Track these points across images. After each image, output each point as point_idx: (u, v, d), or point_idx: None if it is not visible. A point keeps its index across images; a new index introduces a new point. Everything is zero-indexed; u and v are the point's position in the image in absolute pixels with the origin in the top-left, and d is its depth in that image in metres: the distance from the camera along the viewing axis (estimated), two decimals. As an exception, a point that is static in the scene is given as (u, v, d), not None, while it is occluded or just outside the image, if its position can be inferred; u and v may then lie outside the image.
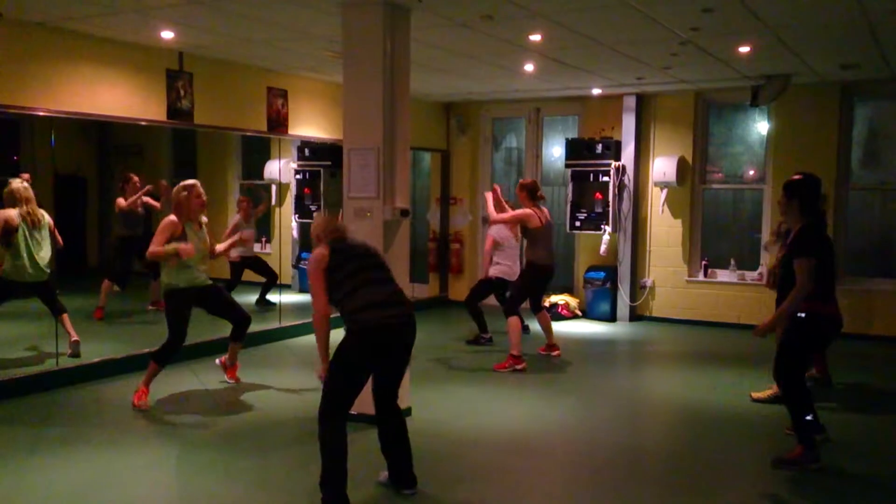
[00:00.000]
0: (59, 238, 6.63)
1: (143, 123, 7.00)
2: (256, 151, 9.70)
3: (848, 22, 5.74)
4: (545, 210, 7.24)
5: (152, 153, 9.57)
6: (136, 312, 8.74)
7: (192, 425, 5.29)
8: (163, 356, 5.72)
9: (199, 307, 5.84)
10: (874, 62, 7.28)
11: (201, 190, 5.77)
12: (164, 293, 5.73)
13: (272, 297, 9.08)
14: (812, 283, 4.46)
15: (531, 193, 7.14)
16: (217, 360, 6.42)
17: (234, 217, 9.01)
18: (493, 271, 7.85)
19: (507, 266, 7.81)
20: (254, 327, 8.09)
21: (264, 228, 9.78)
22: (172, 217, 5.67)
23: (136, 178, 8.21)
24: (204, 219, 5.89)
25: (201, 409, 5.68)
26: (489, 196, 7.60)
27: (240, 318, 6.03)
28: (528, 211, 7.07)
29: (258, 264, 9.19)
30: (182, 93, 7.15)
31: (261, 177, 9.57)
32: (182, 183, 5.77)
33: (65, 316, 6.47)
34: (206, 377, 6.51)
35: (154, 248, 5.53)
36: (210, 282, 5.87)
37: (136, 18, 5.92)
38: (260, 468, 4.51)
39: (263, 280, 9.16)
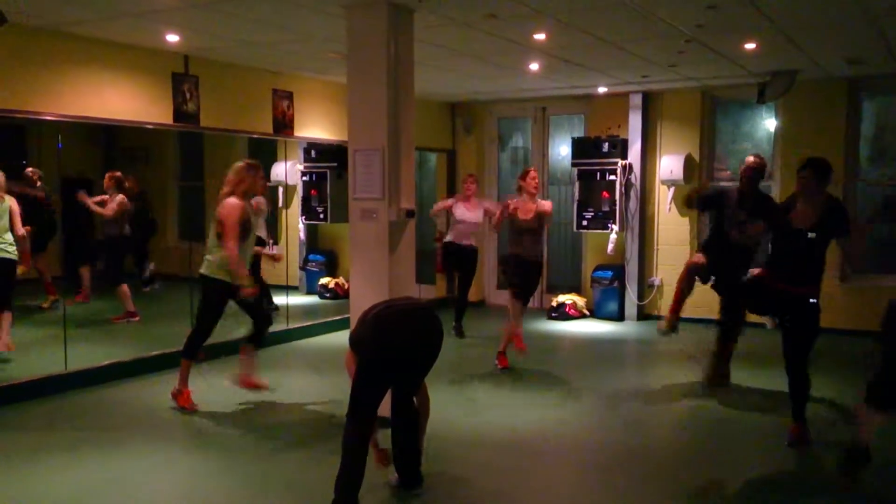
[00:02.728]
0: (19, 225, 6.48)
1: (150, 127, 7.02)
2: (263, 153, 9.70)
3: (853, 17, 5.71)
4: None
5: (159, 156, 9.60)
6: (141, 313, 8.76)
7: (200, 428, 5.31)
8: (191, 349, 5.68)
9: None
10: (880, 57, 7.23)
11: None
12: (214, 283, 5.52)
13: (278, 299, 9.07)
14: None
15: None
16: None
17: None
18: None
19: (454, 234, 8.45)
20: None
21: (271, 230, 9.79)
22: (237, 200, 5.43)
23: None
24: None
25: (209, 411, 5.68)
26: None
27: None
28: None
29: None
30: (188, 96, 7.16)
31: (267, 179, 9.57)
32: (245, 162, 5.59)
33: (6, 315, 6.29)
34: (214, 379, 6.52)
35: (235, 245, 5.31)
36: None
37: (141, 22, 5.94)
38: (268, 470, 4.51)
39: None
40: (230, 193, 5.46)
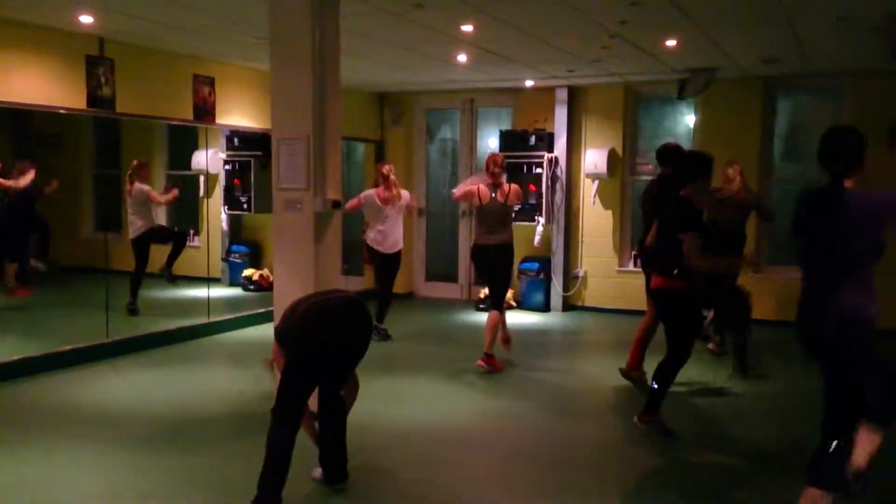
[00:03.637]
0: None
1: (62, 112, 6.72)
2: (183, 141, 9.42)
3: (768, 17, 5.90)
4: (505, 189, 6.74)
5: (73, 143, 9.20)
6: (53, 306, 8.42)
7: (118, 425, 5.11)
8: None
9: None
10: (794, 57, 7.51)
11: None
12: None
13: (200, 291, 8.82)
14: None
15: (487, 168, 6.81)
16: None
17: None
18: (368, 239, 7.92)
19: (376, 233, 7.85)
20: (181, 322, 7.97)
21: (192, 220, 9.52)
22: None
23: None
24: None
25: (126, 407, 5.49)
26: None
27: None
28: (473, 187, 6.81)
29: (161, 234, 8.47)
30: (103, 80, 6.88)
31: (188, 167, 9.31)
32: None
33: None
34: (130, 374, 6.31)
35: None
36: None
37: (52, 1, 5.66)
38: (187, 466, 4.39)
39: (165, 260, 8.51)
40: None
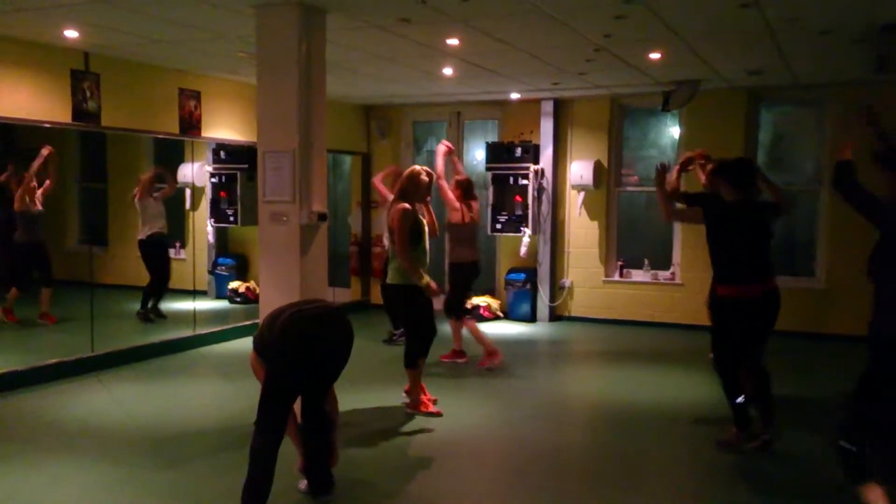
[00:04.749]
0: None
1: (47, 126, 6.70)
2: (169, 154, 9.41)
3: (751, 30, 5.96)
4: (475, 209, 7.40)
5: (59, 156, 9.15)
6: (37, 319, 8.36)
7: (104, 439, 5.08)
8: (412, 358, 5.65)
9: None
10: (777, 69, 7.59)
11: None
12: (400, 290, 5.51)
13: (186, 304, 8.80)
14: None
15: (465, 191, 7.32)
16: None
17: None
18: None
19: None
20: (168, 335, 7.94)
21: (178, 233, 9.49)
22: (405, 205, 5.39)
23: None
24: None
25: (111, 421, 5.46)
26: (440, 149, 7.14)
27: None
28: (456, 203, 7.22)
29: (157, 255, 8.60)
30: (88, 94, 6.87)
31: (175, 180, 9.29)
32: (417, 169, 5.56)
33: None
34: (115, 387, 6.28)
35: (406, 250, 5.32)
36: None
37: (37, 16, 5.65)
38: (173, 480, 4.37)
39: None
40: (398, 199, 5.49)
